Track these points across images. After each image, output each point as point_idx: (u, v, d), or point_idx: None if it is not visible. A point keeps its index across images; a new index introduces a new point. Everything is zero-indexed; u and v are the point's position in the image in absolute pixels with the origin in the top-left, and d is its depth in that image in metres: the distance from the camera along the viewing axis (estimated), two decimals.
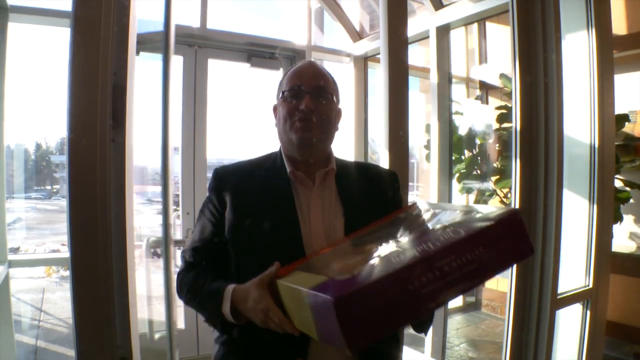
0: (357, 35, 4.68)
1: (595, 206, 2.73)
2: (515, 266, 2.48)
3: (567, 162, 2.70)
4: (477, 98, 6.68)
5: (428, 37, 3.86)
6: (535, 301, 2.47)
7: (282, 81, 1.63)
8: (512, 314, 2.48)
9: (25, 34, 3.08)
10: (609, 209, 2.83)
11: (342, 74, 4.77)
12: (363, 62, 4.74)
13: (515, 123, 2.51)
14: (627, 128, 4.88)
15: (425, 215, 1.43)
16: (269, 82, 4.58)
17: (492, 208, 1.30)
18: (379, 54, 4.42)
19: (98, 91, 1.66)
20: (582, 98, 2.81)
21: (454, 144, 4.01)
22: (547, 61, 2.49)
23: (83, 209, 1.65)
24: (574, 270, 2.81)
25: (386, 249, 1.19)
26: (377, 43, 4.39)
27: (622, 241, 4.87)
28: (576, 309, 2.77)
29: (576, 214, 2.78)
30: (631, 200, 4.88)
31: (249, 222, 1.48)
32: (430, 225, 1.30)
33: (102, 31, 1.67)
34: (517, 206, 2.47)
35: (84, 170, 1.65)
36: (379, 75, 2.34)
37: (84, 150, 1.64)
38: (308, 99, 1.50)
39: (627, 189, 4.43)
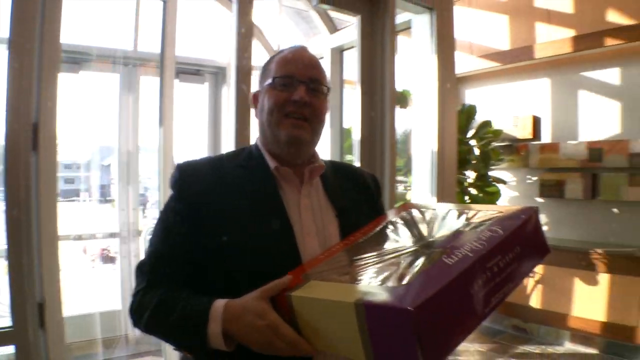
0: (273, 52, 5.30)
1: (435, 198, 3.37)
2: None
3: (416, 161, 3.42)
4: None
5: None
6: None
7: (268, 65, 1.43)
8: None
9: None
10: (451, 200, 3.47)
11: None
12: None
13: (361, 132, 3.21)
14: (512, 131, 5.63)
15: (433, 216, 1.32)
16: (195, 95, 5.23)
17: (494, 206, 1.31)
18: None
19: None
20: (430, 111, 3.48)
21: (345, 149, 4.64)
22: (384, 82, 3.19)
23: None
24: None
25: (415, 251, 1.09)
26: None
27: None
28: None
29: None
30: (516, 193, 5.65)
31: (233, 227, 1.25)
32: (457, 226, 1.19)
33: (35, 54, 2.11)
34: None
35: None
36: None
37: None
38: (303, 91, 1.33)
39: (500, 184, 5.16)
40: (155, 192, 5.85)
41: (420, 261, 1.02)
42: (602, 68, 5.10)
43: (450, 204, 1.45)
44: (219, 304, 1.13)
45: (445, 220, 1.26)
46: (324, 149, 4.44)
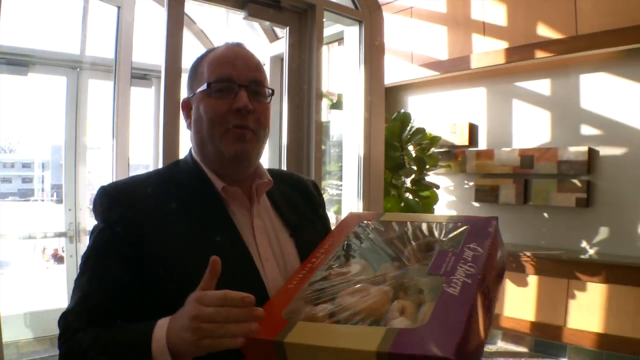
0: None
1: (362, 201, 3.51)
2: None
3: (346, 165, 3.57)
4: None
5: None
6: None
7: (199, 67, 1.23)
8: None
9: None
10: (378, 203, 3.62)
11: None
12: None
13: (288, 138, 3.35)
14: (451, 137, 5.84)
15: (396, 231, 1.27)
16: (141, 98, 5.31)
17: (447, 216, 1.32)
18: None
19: None
20: (358, 117, 3.62)
21: None
22: (310, 90, 3.33)
23: None
24: None
25: (401, 276, 1.07)
26: None
27: None
28: None
29: (351, 207, 3.56)
30: (454, 197, 5.85)
31: (183, 259, 1.07)
32: (433, 244, 1.18)
33: None
34: None
35: None
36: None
37: None
38: (245, 97, 1.15)
39: (440, 189, 5.35)
40: None
41: (420, 291, 1.01)
42: (533, 79, 5.35)
43: (400, 214, 1.44)
44: (162, 321, 0.96)
45: (414, 236, 1.22)
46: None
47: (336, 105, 5.24)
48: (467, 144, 5.76)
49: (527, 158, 5.29)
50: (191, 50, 5.14)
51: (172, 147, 2.75)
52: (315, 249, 1.23)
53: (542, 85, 5.31)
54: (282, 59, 4.58)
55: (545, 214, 5.22)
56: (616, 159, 4.83)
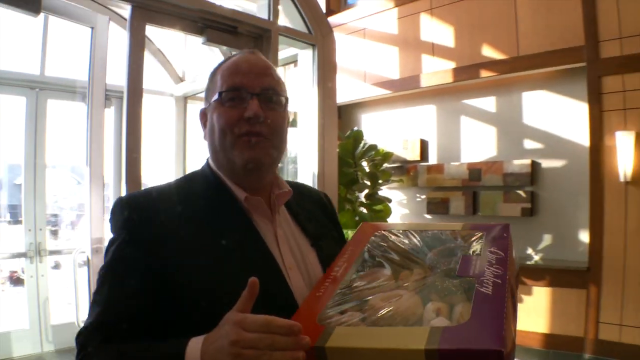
0: (178, 78, 5.55)
1: None
2: None
3: (301, 181, 3.73)
4: None
5: None
6: None
7: (214, 77, 1.23)
8: None
9: None
10: None
11: (164, 112, 5.60)
12: (183, 101, 5.60)
13: None
14: (403, 153, 6.10)
15: (414, 239, 1.28)
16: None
17: (461, 224, 1.34)
18: (197, 93, 5.36)
19: None
20: (312, 135, 3.83)
21: None
22: None
23: None
24: None
25: (432, 281, 1.08)
26: (195, 85, 5.29)
27: None
28: None
29: None
30: (407, 210, 6.09)
31: (211, 272, 1.05)
32: (455, 249, 1.21)
33: None
34: None
35: None
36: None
37: None
38: (257, 105, 1.13)
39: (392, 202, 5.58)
40: (70, 212, 5.90)
41: (452, 292, 1.02)
42: (479, 97, 5.69)
43: (410, 224, 1.44)
44: (195, 341, 0.90)
45: (433, 242, 1.25)
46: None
47: (292, 123, 5.39)
48: (418, 159, 6.06)
49: (475, 171, 5.61)
50: (149, 70, 5.29)
51: (135, 165, 2.89)
52: (335, 257, 1.23)
53: (488, 103, 5.65)
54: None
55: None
56: (557, 170, 5.18)
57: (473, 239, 1.23)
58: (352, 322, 0.98)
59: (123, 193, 2.91)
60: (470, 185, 5.64)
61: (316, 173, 3.77)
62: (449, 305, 0.98)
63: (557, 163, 5.19)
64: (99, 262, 3.05)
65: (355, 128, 5.69)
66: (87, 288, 3.01)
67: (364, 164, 5.60)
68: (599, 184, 4.73)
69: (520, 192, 5.33)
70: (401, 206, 6.16)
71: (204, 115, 1.24)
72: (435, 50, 5.80)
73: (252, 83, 1.15)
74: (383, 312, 0.98)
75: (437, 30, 5.81)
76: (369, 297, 1.04)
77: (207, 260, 1.06)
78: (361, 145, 5.51)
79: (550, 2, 5.00)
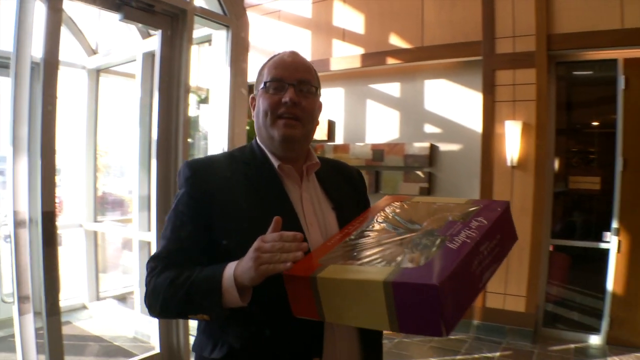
0: (91, 50, 5.47)
1: None
2: None
3: None
4: None
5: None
6: None
7: (262, 70, 1.52)
8: None
9: None
10: None
11: (76, 85, 5.51)
12: (96, 75, 5.56)
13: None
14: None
15: (421, 208, 1.50)
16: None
17: (467, 199, 1.50)
18: (111, 66, 5.32)
19: None
20: (222, 113, 4.01)
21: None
22: (179, 86, 3.70)
23: None
24: None
25: (416, 237, 1.26)
26: (109, 58, 5.27)
27: None
28: None
29: None
30: None
31: (247, 222, 1.34)
32: (448, 216, 1.36)
33: None
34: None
35: None
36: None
37: None
38: (292, 92, 1.41)
39: None
40: None
41: (426, 247, 1.18)
42: (385, 82, 6.03)
43: (428, 197, 1.64)
44: (232, 263, 1.23)
45: (434, 212, 1.43)
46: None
47: (205, 100, 5.51)
48: (326, 138, 6.35)
49: (378, 152, 5.97)
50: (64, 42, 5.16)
51: (49, 136, 2.97)
52: (351, 220, 1.48)
53: (393, 88, 6.00)
54: (154, 56, 4.76)
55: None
56: (452, 153, 5.62)
57: (470, 210, 1.39)
58: (344, 262, 1.20)
59: (38, 168, 2.97)
60: (373, 165, 5.98)
61: (226, 149, 3.93)
62: (424, 256, 1.14)
63: (453, 147, 5.62)
64: (24, 235, 3.11)
65: None
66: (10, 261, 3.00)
67: None
68: (489, 167, 5.20)
69: (419, 173, 5.74)
70: None
71: (253, 100, 1.53)
72: (345, 35, 6.09)
73: (290, 75, 1.43)
74: (372, 257, 1.19)
75: (348, 16, 6.09)
76: (365, 247, 1.27)
77: (243, 212, 1.36)
78: None
79: None
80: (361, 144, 6.11)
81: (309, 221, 1.44)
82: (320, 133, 6.31)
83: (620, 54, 4.85)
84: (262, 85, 1.47)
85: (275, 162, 1.46)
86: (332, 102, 6.36)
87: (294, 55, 1.50)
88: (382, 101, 6.05)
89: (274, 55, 1.52)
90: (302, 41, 6.41)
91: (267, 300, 1.27)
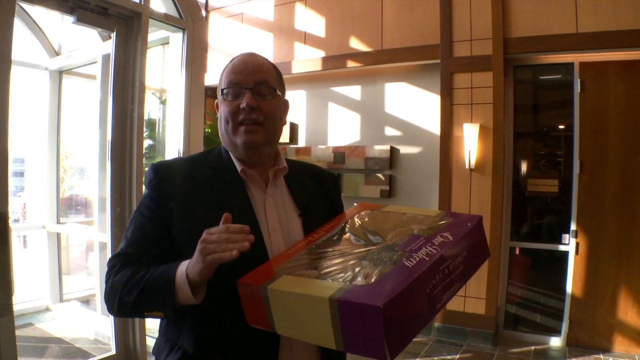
0: (54, 52, 5.41)
1: None
2: None
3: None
4: None
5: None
6: None
7: (221, 77, 1.47)
8: None
9: None
10: None
11: (38, 86, 5.45)
12: (59, 76, 5.49)
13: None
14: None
15: (388, 220, 1.44)
16: None
17: (441, 212, 1.45)
18: (73, 68, 5.25)
19: None
20: (179, 115, 3.98)
21: None
22: (134, 89, 3.65)
23: None
24: None
25: (375, 251, 1.20)
26: (71, 60, 5.22)
27: None
28: None
29: None
30: None
31: (203, 224, 1.23)
32: (414, 229, 1.31)
33: None
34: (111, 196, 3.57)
35: None
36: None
37: None
38: (249, 97, 1.37)
39: None
40: None
41: (383, 262, 1.13)
42: (346, 85, 6.07)
43: (400, 207, 1.56)
44: (186, 260, 1.22)
45: (401, 224, 1.37)
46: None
47: (164, 102, 5.47)
48: (288, 141, 6.36)
49: (340, 155, 6.00)
50: (22, 41, 5.10)
51: (2, 137, 2.88)
52: (318, 228, 1.43)
53: (353, 91, 6.04)
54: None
55: (355, 204, 5.88)
56: (412, 156, 5.66)
57: (438, 223, 1.34)
58: (304, 274, 1.16)
59: None
60: (334, 167, 6.00)
61: (182, 151, 3.93)
62: (378, 272, 1.09)
63: (412, 150, 5.67)
64: None
65: None
66: None
67: None
68: (448, 170, 5.24)
69: (380, 175, 5.78)
70: None
71: (217, 106, 1.49)
72: (307, 39, 6.11)
73: (245, 79, 1.39)
74: (329, 269, 1.16)
75: (310, 20, 6.12)
76: (325, 258, 1.23)
77: (203, 216, 1.32)
78: None
79: (413, 2, 5.47)
80: (323, 146, 6.12)
81: (272, 227, 1.41)
82: (283, 136, 6.22)
83: (576, 57, 4.92)
84: (220, 93, 1.44)
85: (239, 167, 1.44)
86: (294, 105, 6.37)
87: (250, 57, 1.46)
88: (343, 104, 6.08)
89: (233, 59, 1.48)
90: (265, 44, 6.41)
91: (221, 304, 1.26)
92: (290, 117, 6.26)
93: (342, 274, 1.12)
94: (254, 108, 1.37)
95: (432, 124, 5.47)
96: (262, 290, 1.13)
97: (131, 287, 1.26)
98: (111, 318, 3.84)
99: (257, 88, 1.40)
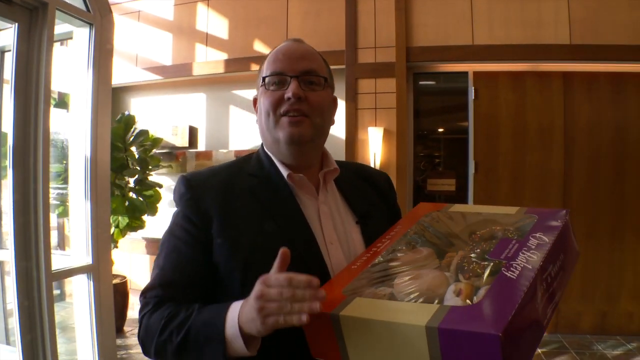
0: None
1: (90, 202, 3.57)
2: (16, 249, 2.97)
3: (73, 166, 3.65)
4: None
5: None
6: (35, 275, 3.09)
7: (261, 66, 1.32)
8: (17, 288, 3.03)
9: None
10: (106, 204, 3.75)
11: None
12: None
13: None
14: (172, 139, 6.18)
15: (462, 221, 1.28)
16: None
17: (514, 208, 1.28)
18: None
19: None
20: (85, 118, 3.71)
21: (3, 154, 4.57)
22: (39, 87, 3.37)
23: None
24: (80, 250, 3.56)
25: (462, 262, 1.05)
26: None
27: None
28: (82, 279, 3.53)
29: (79, 208, 3.60)
30: None
31: (252, 243, 1.14)
32: (497, 232, 1.14)
33: None
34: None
35: None
36: None
37: None
38: (295, 86, 1.21)
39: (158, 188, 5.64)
40: None
41: (477, 275, 0.99)
42: (249, 88, 5.98)
43: (469, 206, 1.41)
44: (236, 304, 1.02)
45: (479, 225, 1.21)
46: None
47: (60, 104, 5.18)
48: (187, 145, 6.16)
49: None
50: None
51: None
52: (380, 235, 1.26)
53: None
54: (3, 52, 4.31)
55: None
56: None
57: (523, 222, 1.18)
58: (377, 295, 1.01)
59: None
60: None
61: (89, 157, 3.67)
62: (473, 287, 0.96)
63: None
64: None
65: (127, 112, 5.62)
66: None
67: (134, 149, 5.57)
68: None
69: None
70: (171, 192, 6.19)
71: (255, 102, 1.35)
72: (209, 40, 5.97)
73: (291, 67, 1.23)
74: (407, 289, 0.99)
75: (212, 21, 5.99)
76: (399, 274, 1.06)
77: (249, 234, 1.17)
78: (132, 130, 5.48)
79: (320, 7, 5.52)
80: (224, 150, 6.02)
81: (329, 239, 1.23)
82: (181, 140, 6.14)
83: (470, 67, 5.29)
84: (260, 82, 1.28)
85: (285, 172, 1.26)
86: (194, 108, 6.23)
87: (296, 43, 1.31)
88: (245, 107, 6.00)
89: (274, 48, 1.33)
90: (163, 44, 6.18)
91: (280, 338, 1.01)
92: (189, 121, 6.17)
93: (426, 292, 0.98)
94: (300, 98, 1.21)
95: (337, 128, 5.56)
96: (332, 317, 0.94)
97: (170, 334, 1.07)
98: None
99: (305, 77, 1.24)
